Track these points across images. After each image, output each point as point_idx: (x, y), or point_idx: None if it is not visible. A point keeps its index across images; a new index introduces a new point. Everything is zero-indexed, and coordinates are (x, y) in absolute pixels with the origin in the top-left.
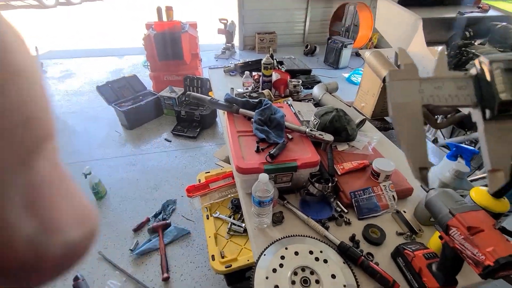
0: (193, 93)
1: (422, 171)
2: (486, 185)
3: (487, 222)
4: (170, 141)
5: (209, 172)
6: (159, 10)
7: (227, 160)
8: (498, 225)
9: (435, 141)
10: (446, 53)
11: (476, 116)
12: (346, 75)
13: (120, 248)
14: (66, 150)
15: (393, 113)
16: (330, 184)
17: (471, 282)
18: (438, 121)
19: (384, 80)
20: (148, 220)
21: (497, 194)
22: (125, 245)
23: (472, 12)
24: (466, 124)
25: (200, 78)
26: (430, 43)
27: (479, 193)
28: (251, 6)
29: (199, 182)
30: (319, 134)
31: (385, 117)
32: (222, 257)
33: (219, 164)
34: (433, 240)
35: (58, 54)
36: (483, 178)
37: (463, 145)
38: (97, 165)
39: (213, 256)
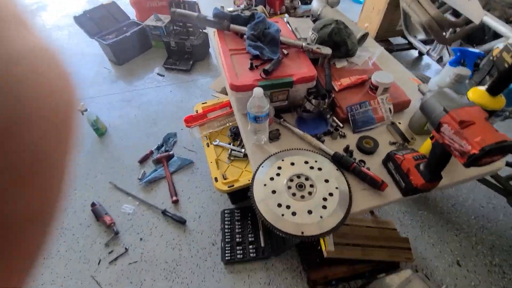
0: (178, 9)
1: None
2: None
3: (479, 116)
4: (163, 76)
5: (205, 103)
6: None
7: (223, 92)
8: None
9: (440, 60)
10: None
11: None
12: None
13: (129, 178)
14: None
15: None
16: (326, 100)
17: (456, 179)
18: (447, 37)
19: None
20: (151, 152)
21: (493, 91)
22: (133, 176)
23: None
24: (475, 38)
25: (187, 1)
26: None
27: (476, 92)
28: None
29: (197, 112)
30: (317, 48)
31: (389, 38)
32: (225, 179)
33: (216, 96)
34: (424, 146)
35: None
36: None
37: (467, 48)
38: (92, 103)
39: (216, 178)
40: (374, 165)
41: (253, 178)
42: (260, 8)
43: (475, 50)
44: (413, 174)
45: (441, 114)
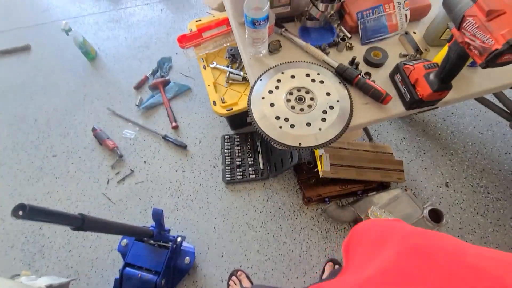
0: None
1: None
2: None
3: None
4: None
5: (200, 20)
6: None
7: (220, 8)
8: None
9: None
10: None
11: None
12: None
13: (126, 104)
14: (36, 9)
15: None
16: (335, 4)
17: (460, 95)
18: None
19: None
20: (146, 78)
21: None
22: (130, 101)
23: None
24: None
25: None
26: None
27: None
28: None
29: (191, 31)
30: None
31: None
32: (223, 102)
33: (211, 13)
34: (439, 56)
35: None
36: None
37: None
38: (77, 24)
39: (214, 102)
40: (380, 79)
41: (250, 92)
42: None
43: None
44: (420, 84)
45: (467, 5)
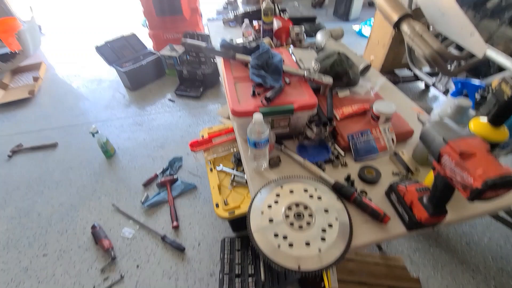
0: (188, 39)
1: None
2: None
3: (480, 147)
4: (174, 101)
5: (211, 128)
6: None
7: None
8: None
9: (446, 92)
10: None
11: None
12: (358, 28)
13: (132, 201)
14: (73, 113)
15: None
16: (328, 128)
17: (460, 216)
18: (452, 69)
19: (395, 26)
20: (156, 176)
21: (495, 122)
22: (136, 199)
23: None
24: (480, 71)
25: (201, 34)
26: None
27: (478, 123)
28: None
29: (202, 137)
30: (318, 77)
31: (395, 71)
32: (226, 205)
33: (223, 122)
34: (429, 177)
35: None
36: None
37: (468, 80)
38: (104, 126)
39: (217, 204)
40: (376, 196)
41: (250, 205)
42: (267, 40)
43: (476, 82)
44: (416, 207)
45: (440, 144)
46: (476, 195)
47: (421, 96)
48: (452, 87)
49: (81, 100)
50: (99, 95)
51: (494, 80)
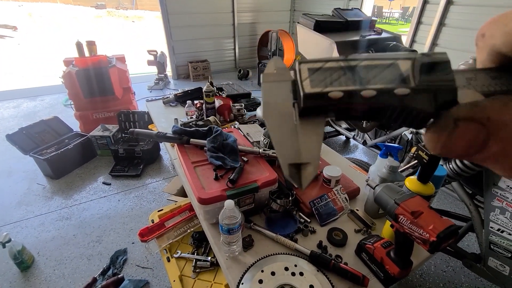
0: (136, 129)
1: (291, 168)
2: (412, 174)
3: (423, 205)
4: (110, 184)
5: (162, 210)
6: (79, 45)
7: (180, 193)
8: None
9: (364, 143)
10: None
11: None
12: None
13: None
14: None
15: (264, 111)
16: (290, 198)
17: (421, 259)
18: (364, 126)
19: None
20: (95, 280)
21: (423, 180)
22: None
23: (370, 35)
24: (385, 126)
25: (136, 112)
26: None
27: (411, 182)
28: (179, 37)
29: (153, 222)
30: (272, 153)
31: None
32: None
33: (172, 199)
34: (385, 229)
35: None
36: (407, 169)
37: (389, 143)
38: (19, 228)
39: None
40: (349, 258)
41: None
42: (212, 118)
43: (395, 145)
44: (387, 263)
45: (394, 207)
46: (435, 247)
47: (344, 147)
48: (368, 139)
49: None
50: (9, 191)
51: (413, 148)
